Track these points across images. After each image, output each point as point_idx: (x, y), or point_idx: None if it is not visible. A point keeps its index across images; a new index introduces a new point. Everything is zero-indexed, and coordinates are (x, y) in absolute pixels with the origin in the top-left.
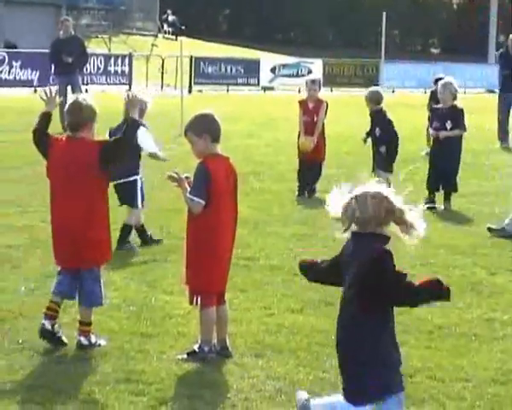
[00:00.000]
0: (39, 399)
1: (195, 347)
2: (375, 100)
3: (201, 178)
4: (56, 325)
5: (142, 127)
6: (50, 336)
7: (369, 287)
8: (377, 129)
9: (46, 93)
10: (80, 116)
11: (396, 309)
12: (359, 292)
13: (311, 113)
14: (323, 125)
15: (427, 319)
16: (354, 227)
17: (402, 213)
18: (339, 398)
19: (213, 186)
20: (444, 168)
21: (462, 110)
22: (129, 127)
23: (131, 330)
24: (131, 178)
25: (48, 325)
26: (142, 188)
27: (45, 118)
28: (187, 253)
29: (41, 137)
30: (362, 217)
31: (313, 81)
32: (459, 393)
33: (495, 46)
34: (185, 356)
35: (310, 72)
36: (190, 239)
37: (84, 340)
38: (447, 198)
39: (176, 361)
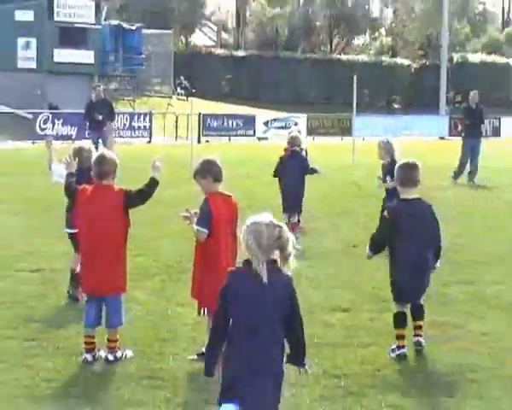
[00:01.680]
0: (77, 392)
1: (204, 349)
2: (290, 142)
3: (204, 212)
4: (97, 354)
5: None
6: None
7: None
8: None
9: (64, 162)
10: (105, 167)
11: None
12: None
13: None
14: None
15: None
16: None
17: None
18: None
19: (214, 218)
20: None
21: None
22: (151, 185)
23: (152, 337)
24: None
25: (90, 358)
26: None
27: (70, 176)
28: (193, 271)
29: (70, 190)
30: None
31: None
32: None
33: (445, 100)
34: (195, 357)
35: (296, 124)
36: (196, 261)
37: (110, 356)
38: None
39: (188, 361)
